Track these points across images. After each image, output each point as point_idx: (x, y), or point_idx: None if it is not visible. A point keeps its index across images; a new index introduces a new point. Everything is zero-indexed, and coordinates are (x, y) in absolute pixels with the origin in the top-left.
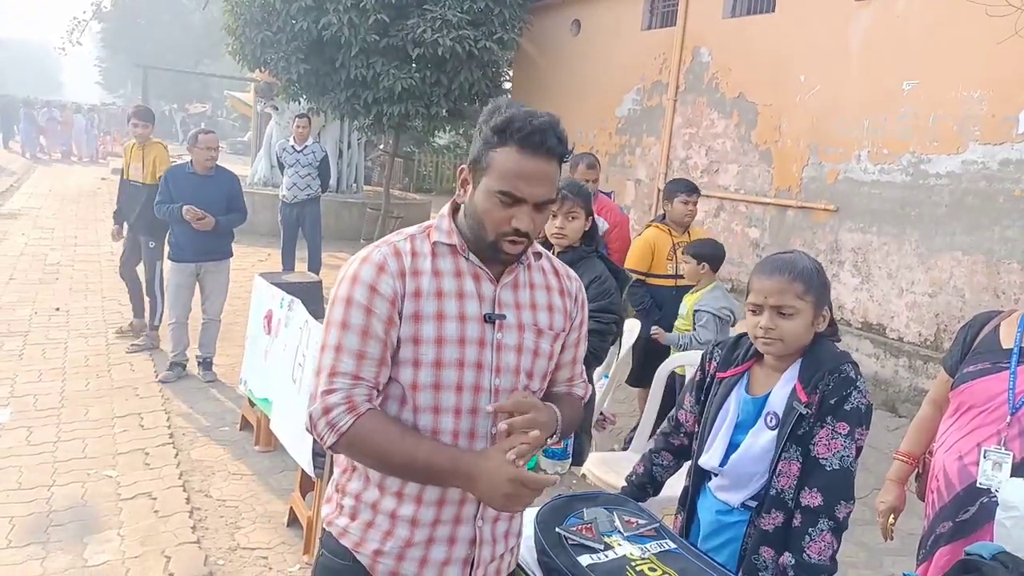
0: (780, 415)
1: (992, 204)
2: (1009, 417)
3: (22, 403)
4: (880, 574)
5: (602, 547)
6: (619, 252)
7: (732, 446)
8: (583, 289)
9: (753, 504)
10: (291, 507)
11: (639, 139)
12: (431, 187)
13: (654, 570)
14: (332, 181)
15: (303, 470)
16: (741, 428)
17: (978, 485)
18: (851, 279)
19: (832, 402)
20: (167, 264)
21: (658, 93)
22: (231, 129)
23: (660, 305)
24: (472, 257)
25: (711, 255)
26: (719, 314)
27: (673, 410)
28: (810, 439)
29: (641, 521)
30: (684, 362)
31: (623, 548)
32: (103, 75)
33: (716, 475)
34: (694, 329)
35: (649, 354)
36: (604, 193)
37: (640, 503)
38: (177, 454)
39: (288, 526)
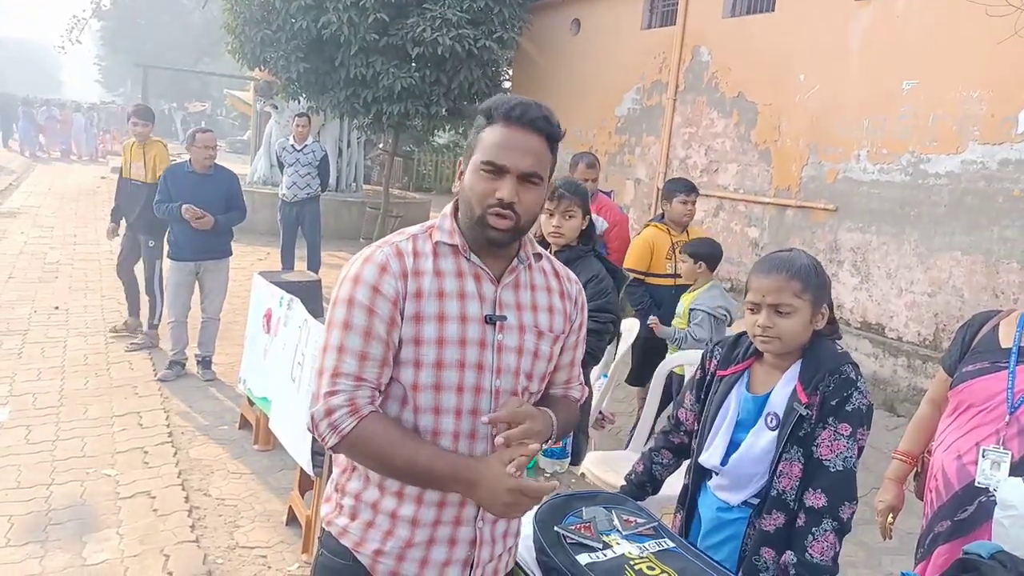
0: (780, 416)
1: (991, 204)
2: (1008, 416)
3: (21, 401)
4: (879, 573)
5: (601, 546)
6: (618, 251)
7: (733, 444)
8: (583, 292)
9: (755, 501)
10: (290, 506)
11: (639, 138)
12: (431, 186)
13: (652, 569)
14: (332, 180)
15: (302, 469)
16: (741, 426)
17: (976, 484)
18: (850, 279)
19: (833, 403)
20: (166, 263)
21: (658, 92)
22: (231, 128)
23: (659, 304)
24: (473, 258)
25: (708, 254)
26: (714, 313)
27: (673, 408)
28: (812, 440)
29: (640, 520)
30: (683, 361)
31: (622, 547)
32: (103, 74)
33: (717, 474)
34: (689, 327)
35: (648, 353)
36: (604, 192)
37: (639, 502)
38: (176, 453)
39: (287, 525)
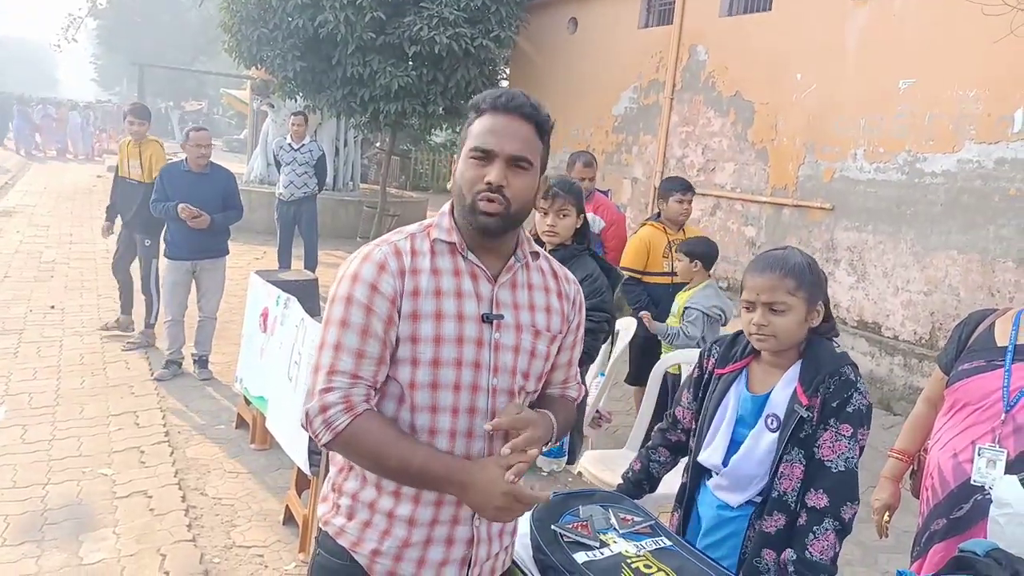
0: (781, 418)
1: (987, 203)
2: (1003, 415)
3: (17, 401)
4: (875, 571)
5: (598, 544)
6: (616, 250)
7: (733, 443)
8: (581, 292)
9: (758, 500)
10: (287, 505)
11: (636, 137)
12: (428, 185)
13: (649, 567)
14: (328, 179)
15: (299, 468)
16: (741, 424)
17: (972, 482)
18: (847, 278)
19: (834, 405)
20: (163, 262)
21: (655, 91)
22: (227, 127)
23: (656, 302)
24: (471, 256)
25: (704, 253)
26: (709, 312)
27: (671, 407)
28: (813, 442)
29: (637, 519)
30: (679, 360)
31: (619, 545)
32: (99, 72)
33: (717, 473)
34: (682, 324)
35: (646, 352)
36: (601, 191)
37: (636, 500)
38: (172, 452)
39: (284, 524)
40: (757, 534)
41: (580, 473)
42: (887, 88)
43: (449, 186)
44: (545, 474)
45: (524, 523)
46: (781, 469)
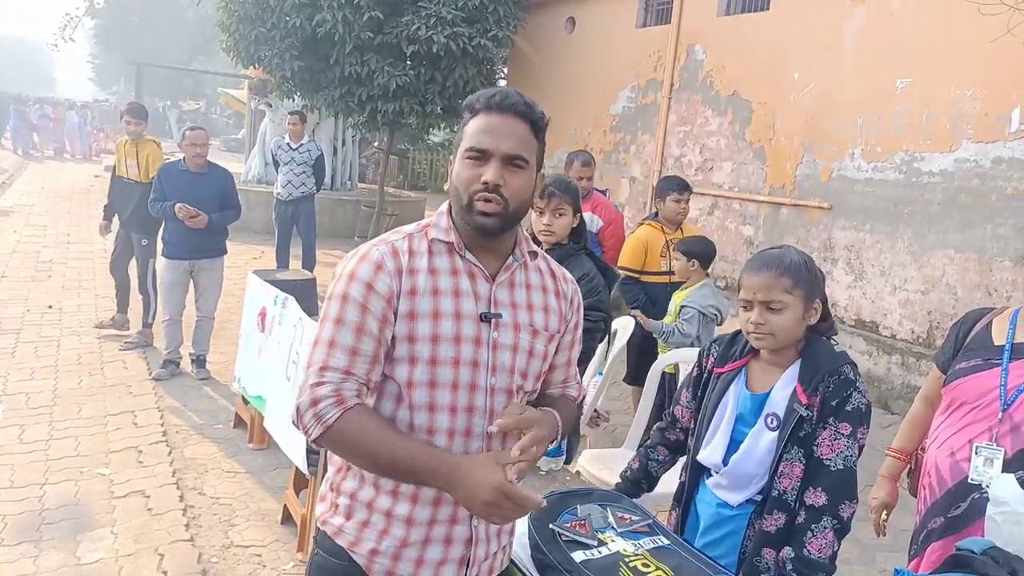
0: (781, 417)
1: (985, 202)
2: (1001, 413)
3: (14, 401)
4: (873, 569)
5: (596, 543)
6: (614, 250)
7: (733, 441)
8: (579, 292)
9: (758, 498)
10: (285, 505)
11: (634, 137)
12: (426, 184)
13: (647, 566)
14: (326, 179)
15: (297, 468)
16: (741, 423)
17: (969, 481)
18: (844, 277)
19: (833, 404)
20: (161, 261)
21: (653, 91)
22: (225, 126)
23: (654, 301)
24: (468, 255)
25: (701, 252)
26: (705, 311)
27: (670, 406)
28: (812, 440)
29: (635, 518)
30: (677, 360)
31: (616, 544)
32: (96, 72)
33: (716, 472)
34: (677, 322)
35: (644, 352)
36: (599, 191)
37: (634, 499)
38: (170, 452)
39: (282, 524)
40: (757, 533)
41: (578, 472)
42: (885, 87)
43: (447, 186)
44: (543, 473)
45: (522, 522)
46: (781, 468)
